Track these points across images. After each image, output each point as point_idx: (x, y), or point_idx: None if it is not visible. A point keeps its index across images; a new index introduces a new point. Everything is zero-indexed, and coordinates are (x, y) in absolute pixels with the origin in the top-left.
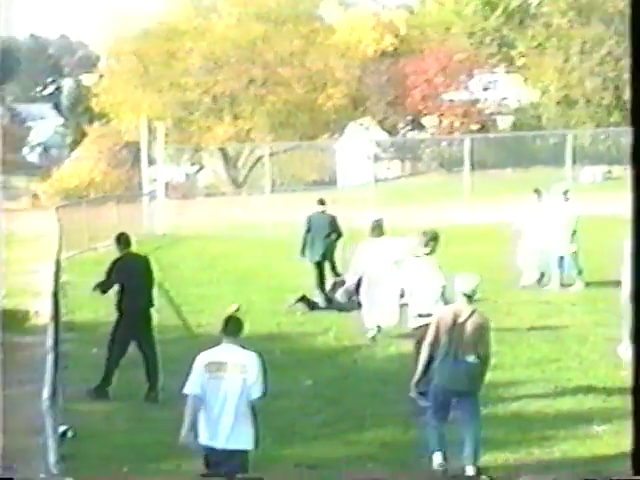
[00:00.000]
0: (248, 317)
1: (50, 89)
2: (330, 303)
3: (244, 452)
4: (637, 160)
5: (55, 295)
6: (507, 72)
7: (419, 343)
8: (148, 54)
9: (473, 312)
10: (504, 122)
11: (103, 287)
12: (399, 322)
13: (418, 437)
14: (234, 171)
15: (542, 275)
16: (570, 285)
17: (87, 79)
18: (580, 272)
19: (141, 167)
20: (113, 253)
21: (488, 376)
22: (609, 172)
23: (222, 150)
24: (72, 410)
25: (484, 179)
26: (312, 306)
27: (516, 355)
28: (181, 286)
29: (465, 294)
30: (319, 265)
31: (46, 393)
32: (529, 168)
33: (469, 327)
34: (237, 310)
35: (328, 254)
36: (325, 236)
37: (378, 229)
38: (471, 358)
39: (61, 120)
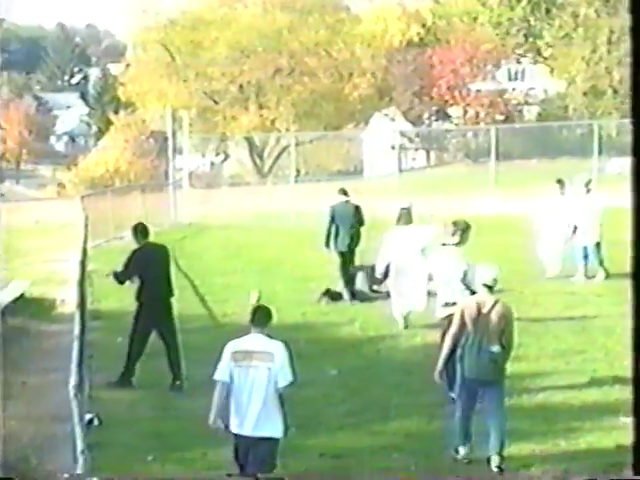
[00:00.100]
0: (273, 307)
1: (77, 78)
2: (353, 294)
3: (273, 440)
4: (638, 153)
5: (81, 284)
6: (534, 62)
7: (445, 333)
8: (174, 44)
9: (496, 302)
10: (530, 112)
11: (121, 277)
12: (426, 310)
13: (443, 427)
14: (259, 161)
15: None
16: (594, 276)
17: (114, 68)
18: (601, 262)
19: (166, 156)
20: None
21: (514, 367)
22: None
23: (247, 140)
24: (98, 398)
25: (510, 170)
26: (336, 298)
27: (542, 346)
28: (206, 275)
29: (486, 284)
30: (344, 255)
31: (72, 381)
32: (555, 159)
33: (494, 317)
34: (258, 298)
35: (353, 244)
36: (350, 226)
37: (406, 217)
38: (495, 348)
39: (87, 109)
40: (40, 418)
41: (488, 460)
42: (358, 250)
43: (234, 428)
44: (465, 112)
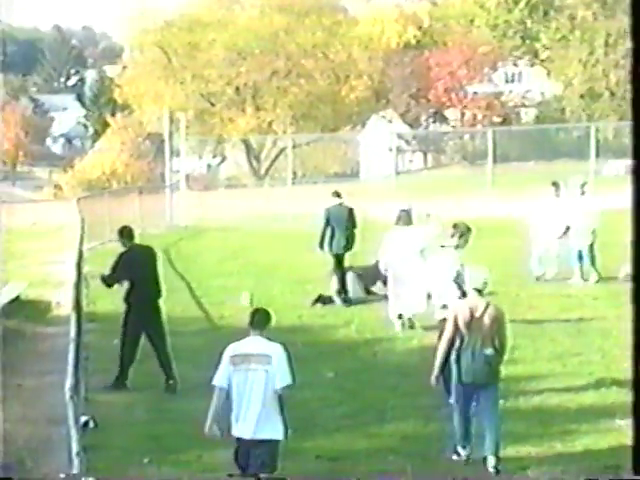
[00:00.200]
0: (270, 309)
1: (73, 80)
2: (346, 299)
3: (274, 442)
4: (639, 155)
5: (77, 286)
6: (531, 65)
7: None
8: (171, 46)
9: (488, 305)
10: (527, 115)
11: (109, 281)
12: (423, 313)
13: (439, 430)
14: (256, 163)
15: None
16: (592, 278)
17: (110, 70)
18: (593, 264)
19: (163, 158)
20: None
21: (510, 370)
22: None
23: (244, 142)
24: (93, 401)
25: (507, 172)
26: (328, 303)
27: (538, 349)
28: (203, 278)
29: (476, 288)
30: (339, 257)
31: (68, 384)
32: (552, 161)
33: (487, 320)
34: (251, 299)
35: (348, 246)
36: (345, 228)
37: (405, 218)
38: (489, 351)
39: (84, 111)
40: (36, 420)
41: (484, 461)
42: (353, 252)
43: (235, 431)
44: (462, 114)
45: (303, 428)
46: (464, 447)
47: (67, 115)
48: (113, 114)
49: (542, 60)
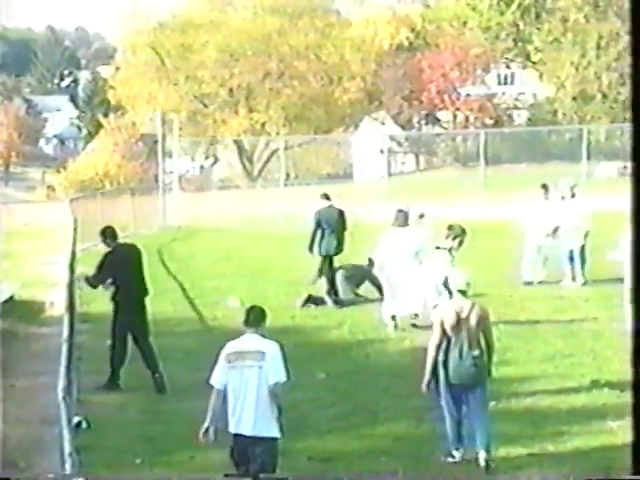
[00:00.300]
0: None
1: (67, 81)
2: (337, 301)
3: (271, 440)
4: (638, 157)
5: (70, 287)
6: (523, 67)
7: None
8: (164, 47)
9: (473, 305)
10: (519, 117)
11: (93, 282)
12: (423, 313)
13: (431, 431)
14: (249, 164)
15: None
16: (581, 281)
17: (104, 71)
18: (582, 266)
19: (156, 160)
20: None
21: (502, 371)
22: (625, 168)
23: (237, 143)
24: (86, 401)
25: (499, 174)
26: (319, 303)
27: (530, 350)
28: (196, 279)
29: (460, 290)
30: (329, 259)
31: (61, 384)
32: (544, 163)
33: (473, 321)
34: (241, 303)
35: (340, 248)
36: (335, 230)
37: (402, 219)
38: (477, 352)
39: (77, 112)
40: (29, 421)
41: (476, 460)
42: (344, 254)
43: (232, 428)
44: (454, 116)
45: (295, 429)
46: (457, 449)
47: (60, 116)
48: (106, 115)
49: (534, 62)
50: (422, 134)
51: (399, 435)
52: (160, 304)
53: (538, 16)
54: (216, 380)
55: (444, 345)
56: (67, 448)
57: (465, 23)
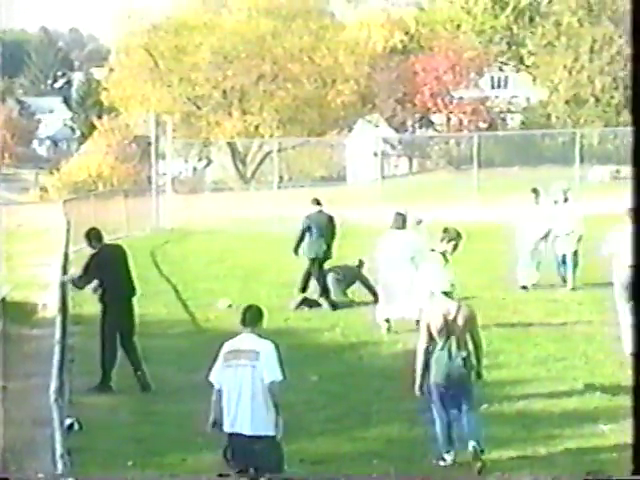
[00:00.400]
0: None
1: (60, 82)
2: (331, 299)
3: (269, 438)
4: (638, 161)
5: (63, 288)
6: (517, 70)
7: None
8: (158, 49)
9: (460, 306)
10: (513, 120)
11: (80, 283)
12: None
13: (424, 434)
14: (242, 166)
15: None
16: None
17: (97, 73)
18: (574, 270)
19: (149, 161)
20: None
21: (494, 374)
22: (617, 171)
23: (230, 145)
24: (78, 403)
25: (492, 177)
26: (312, 305)
27: (522, 353)
28: (189, 281)
29: (444, 292)
30: (319, 262)
31: (53, 386)
32: (537, 167)
33: (460, 321)
34: (231, 305)
35: (329, 252)
36: (325, 235)
37: (400, 222)
38: (465, 352)
39: (70, 114)
40: (20, 422)
41: (468, 463)
42: (339, 255)
43: (226, 427)
44: (448, 119)
45: (287, 431)
46: (448, 452)
47: (53, 117)
48: (99, 117)
49: (528, 66)
50: (415, 137)
51: (391, 438)
52: (153, 306)
53: (532, 20)
54: (214, 379)
55: (432, 348)
56: (59, 449)
57: (459, 26)
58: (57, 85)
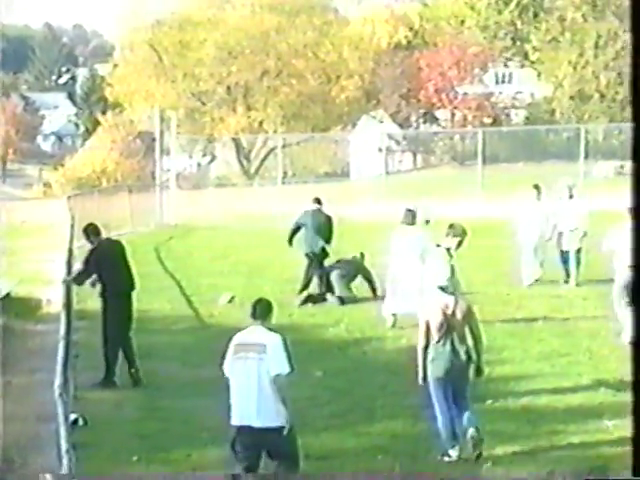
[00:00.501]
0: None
1: (64, 78)
2: (342, 299)
3: (280, 430)
4: (638, 157)
5: (67, 284)
6: (521, 66)
7: None
8: (162, 44)
9: (457, 300)
10: (517, 116)
11: (79, 279)
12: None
13: (428, 429)
14: (246, 162)
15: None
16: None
17: (101, 68)
18: (577, 267)
19: (153, 157)
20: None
21: (498, 370)
22: (622, 167)
23: (235, 141)
24: (83, 398)
25: (496, 173)
26: (316, 301)
27: (526, 349)
28: (193, 276)
29: (440, 287)
30: (317, 259)
31: (57, 381)
32: (542, 162)
33: (459, 316)
34: (232, 299)
35: (325, 252)
36: (321, 232)
37: (409, 218)
38: (465, 347)
39: (75, 109)
40: (25, 418)
41: (473, 459)
42: (340, 250)
43: (235, 420)
44: (452, 115)
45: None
46: (453, 447)
47: (58, 113)
48: (104, 112)
49: (532, 61)
50: (420, 133)
51: (396, 433)
52: (157, 301)
53: (536, 15)
54: (227, 370)
55: (432, 343)
56: (63, 445)
57: (463, 22)
58: (61, 81)
